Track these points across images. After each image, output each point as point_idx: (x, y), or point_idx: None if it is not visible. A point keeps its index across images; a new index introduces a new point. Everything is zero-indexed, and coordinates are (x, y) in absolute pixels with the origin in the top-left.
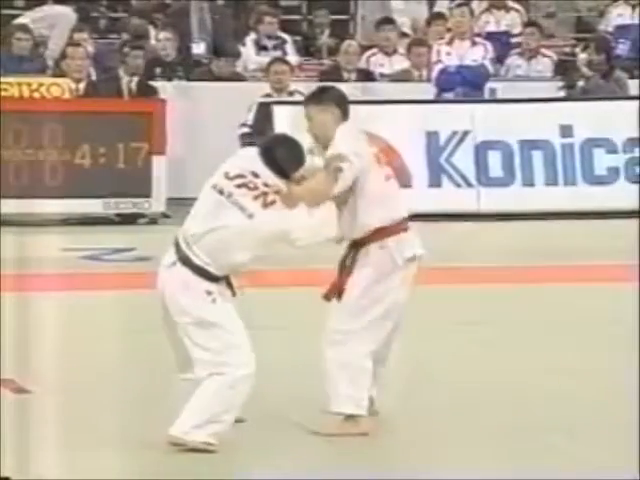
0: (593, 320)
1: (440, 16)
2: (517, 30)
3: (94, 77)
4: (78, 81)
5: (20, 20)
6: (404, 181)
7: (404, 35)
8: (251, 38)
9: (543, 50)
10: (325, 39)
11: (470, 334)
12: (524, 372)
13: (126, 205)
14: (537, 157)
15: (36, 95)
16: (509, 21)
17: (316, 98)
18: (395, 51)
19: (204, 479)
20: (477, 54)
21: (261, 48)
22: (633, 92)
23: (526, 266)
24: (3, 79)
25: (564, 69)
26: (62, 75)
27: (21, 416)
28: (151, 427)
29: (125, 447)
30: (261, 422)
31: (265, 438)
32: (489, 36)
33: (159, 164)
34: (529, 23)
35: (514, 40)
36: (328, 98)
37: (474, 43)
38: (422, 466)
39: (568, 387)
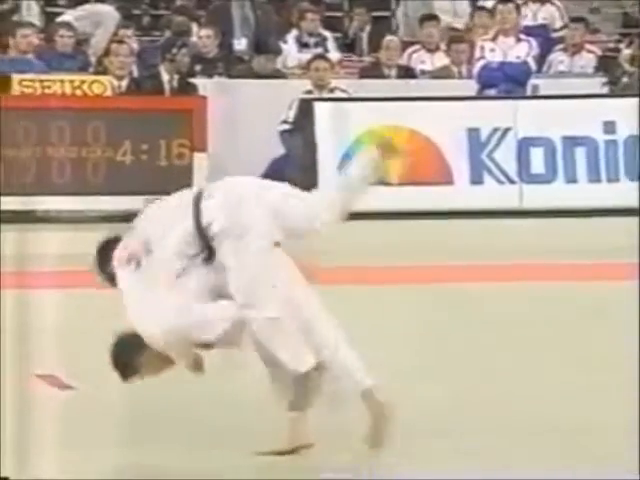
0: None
1: (484, 11)
2: (557, 25)
3: (136, 74)
4: (121, 78)
5: (63, 18)
6: (444, 178)
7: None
8: (292, 35)
9: (587, 46)
10: (365, 36)
11: (504, 332)
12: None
13: None
14: (580, 153)
15: (78, 92)
16: (546, 14)
17: None
18: (437, 48)
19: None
20: (521, 51)
21: (302, 45)
22: None
23: (568, 263)
24: (46, 76)
25: (607, 65)
26: (104, 72)
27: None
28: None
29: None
30: None
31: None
32: (526, 30)
33: (200, 161)
34: (575, 19)
35: (555, 35)
36: None
37: (518, 39)
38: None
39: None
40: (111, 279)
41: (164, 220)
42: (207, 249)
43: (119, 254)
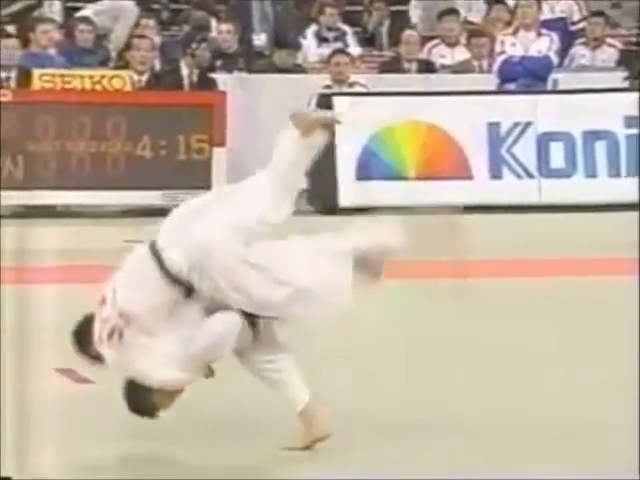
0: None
1: (502, 5)
2: (576, 17)
3: (158, 68)
4: (142, 73)
5: (82, 13)
6: (464, 173)
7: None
8: (312, 30)
9: (608, 40)
10: (384, 30)
11: (521, 327)
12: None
13: (186, 197)
14: (600, 148)
15: (98, 87)
16: (564, 7)
17: None
18: (457, 42)
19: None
20: (542, 45)
21: (322, 40)
22: None
23: (587, 258)
24: (66, 71)
25: (628, 59)
26: (125, 67)
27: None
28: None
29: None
30: None
31: None
32: (544, 23)
33: (219, 156)
34: (594, 12)
35: (574, 28)
36: None
37: (539, 34)
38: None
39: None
40: (96, 357)
41: (130, 283)
42: (186, 288)
43: (100, 332)
